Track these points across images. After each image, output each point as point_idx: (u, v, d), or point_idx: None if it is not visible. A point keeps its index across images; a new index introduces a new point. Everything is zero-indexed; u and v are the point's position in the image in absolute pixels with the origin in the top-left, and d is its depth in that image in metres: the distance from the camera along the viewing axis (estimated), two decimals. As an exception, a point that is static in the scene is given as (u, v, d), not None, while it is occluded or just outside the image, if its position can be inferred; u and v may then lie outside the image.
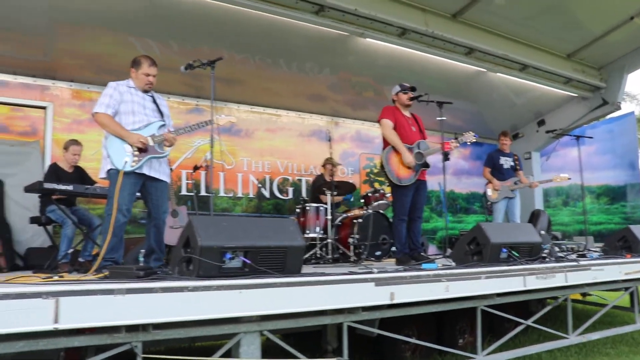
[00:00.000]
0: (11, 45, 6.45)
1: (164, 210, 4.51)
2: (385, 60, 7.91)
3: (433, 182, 10.58)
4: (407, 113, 5.60)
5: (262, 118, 8.92)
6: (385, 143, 5.41)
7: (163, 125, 4.52)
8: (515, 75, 8.83)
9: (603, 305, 6.73)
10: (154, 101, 4.61)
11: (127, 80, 4.56)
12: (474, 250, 4.52)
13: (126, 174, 4.15)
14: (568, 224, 11.90)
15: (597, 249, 6.98)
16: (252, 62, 7.67)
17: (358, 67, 8.26)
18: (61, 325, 2.33)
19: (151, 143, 4.33)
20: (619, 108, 10.04)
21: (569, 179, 7.75)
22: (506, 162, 7.94)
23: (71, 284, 2.55)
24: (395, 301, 3.37)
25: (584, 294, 8.35)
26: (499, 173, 7.87)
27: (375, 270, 3.55)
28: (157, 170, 4.42)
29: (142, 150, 4.25)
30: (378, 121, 5.48)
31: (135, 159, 4.21)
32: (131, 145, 4.24)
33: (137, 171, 4.25)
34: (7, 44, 6.41)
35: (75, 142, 5.95)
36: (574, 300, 8.33)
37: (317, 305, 3.05)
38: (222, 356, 2.97)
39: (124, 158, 4.16)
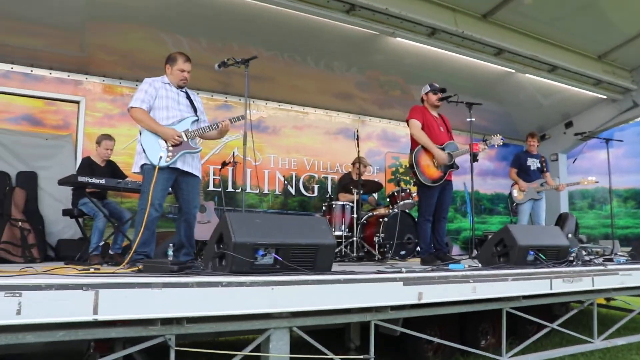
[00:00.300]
0: (48, 41, 6.59)
1: (194, 205, 4.56)
2: (414, 60, 7.91)
3: (458, 182, 10.54)
4: (435, 113, 5.61)
5: (289, 115, 8.99)
6: (414, 143, 5.42)
7: (196, 121, 4.60)
8: (544, 76, 8.77)
9: (628, 311, 6.67)
10: (188, 97, 4.68)
11: (162, 77, 4.63)
12: (501, 251, 4.52)
13: (162, 169, 4.22)
14: (594, 227, 11.75)
15: (624, 254, 6.91)
16: (281, 60, 7.73)
17: (386, 66, 8.28)
18: (100, 317, 2.40)
19: (185, 138, 4.40)
20: (651, 111, 9.91)
21: (597, 182, 7.67)
22: (533, 164, 7.90)
23: (109, 276, 2.62)
24: (423, 301, 3.39)
25: (608, 299, 8.30)
26: (526, 174, 7.83)
27: (404, 269, 3.58)
28: (190, 165, 4.49)
29: (176, 145, 4.32)
30: (406, 121, 5.50)
31: (170, 154, 4.28)
32: (166, 141, 4.31)
33: (170, 166, 4.31)
34: (45, 39, 6.55)
35: (108, 136, 6.07)
36: (598, 305, 8.30)
37: (347, 303, 3.09)
38: (251, 351, 3.03)
39: (159, 153, 4.22)
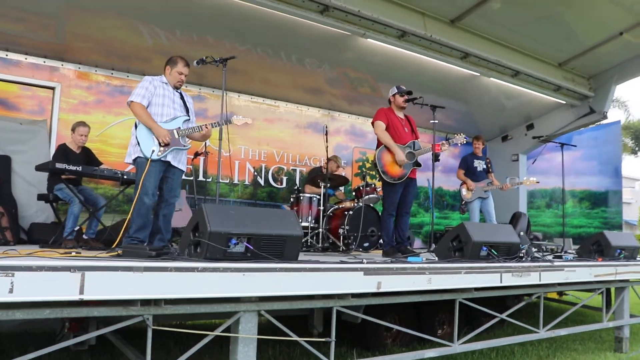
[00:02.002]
0: (25, 26, 6.65)
1: (175, 194, 4.93)
2: (384, 59, 8.17)
3: (423, 179, 10.91)
4: (401, 114, 5.90)
5: (260, 108, 9.21)
6: (379, 142, 5.73)
7: (187, 120, 4.96)
8: (508, 80, 9.13)
9: (575, 304, 7.13)
10: (182, 97, 5.06)
11: (161, 76, 4.99)
12: (456, 247, 4.84)
13: (154, 161, 4.57)
14: (550, 226, 12.28)
15: (573, 251, 7.34)
16: (255, 54, 7.90)
17: (357, 64, 8.52)
18: (86, 297, 2.60)
19: (176, 136, 4.77)
20: (605, 117, 10.38)
21: (538, 182, 8.13)
22: (479, 165, 8.36)
23: (95, 260, 2.84)
24: (382, 290, 3.68)
25: (560, 294, 8.77)
26: (473, 175, 8.27)
27: (365, 261, 3.86)
28: (178, 160, 4.88)
29: (167, 143, 4.66)
30: (372, 123, 5.79)
31: (162, 148, 4.64)
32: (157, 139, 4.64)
33: (162, 159, 4.67)
34: (21, 25, 6.61)
35: (82, 123, 6.22)
36: (551, 299, 8.77)
37: (311, 290, 3.35)
38: (222, 331, 3.29)
39: (152, 147, 4.57)
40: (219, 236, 3.17)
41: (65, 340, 4.12)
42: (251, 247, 3.27)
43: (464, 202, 8.38)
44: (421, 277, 3.93)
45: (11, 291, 2.44)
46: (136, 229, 4.56)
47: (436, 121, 5.79)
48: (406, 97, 5.83)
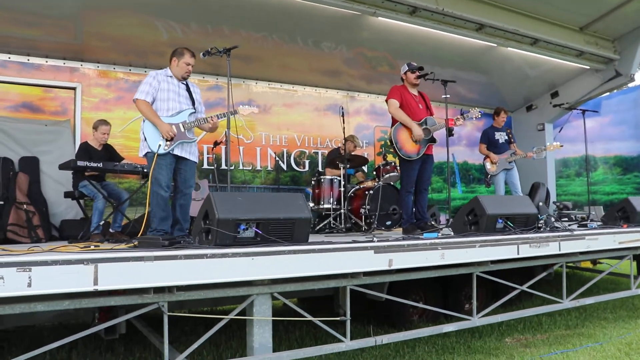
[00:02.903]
0: (43, 30, 6.83)
1: (190, 185, 4.99)
2: (400, 36, 8.09)
3: (446, 154, 10.88)
4: (414, 91, 5.89)
5: (279, 93, 9.27)
6: (394, 120, 5.74)
7: (193, 113, 5.00)
8: (527, 49, 8.95)
9: (613, 274, 7.04)
10: (188, 89, 5.08)
11: (166, 70, 5.02)
12: (471, 220, 4.86)
13: (162, 155, 4.67)
14: (580, 194, 12.10)
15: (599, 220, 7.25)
16: (270, 40, 7.94)
17: (373, 43, 8.46)
18: (100, 287, 2.75)
19: (182, 129, 4.82)
20: (632, 80, 10.10)
21: (562, 146, 7.98)
22: (501, 137, 8.26)
23: (107, 252, 2.97)
24: (394, 267, 3.74)
25: (594, 263, 8.67)
26: (495, 147, 8.18)
27: (376, 239, 3.92)
28: (188, 152, 4.93)
29: (171, 138, 4.73)
30: (386, 101, 5.79)
31: (168, 142, 4.71)
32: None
33: (171, 152, 4.76)
34: (40, 29, 6.79)
35: (104, 122, 6.39)
36: (584, 269, 8.67)
37: (322, 270, 3.44)
38: (238, 314, 3.41)
39: (158, 142, 4.67)
40: (228, 223, 3.27)
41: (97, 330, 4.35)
42: (260, 232, 3.36)
43: (489, 175, 8.33)
44: (434, 252, 3.97)
45: (29, 285, 2.59)
46: (158, 221, 4.66)
47: (448, 96, 5.75)
48: (418, 73, 5.81)
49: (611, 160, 12.01)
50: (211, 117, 5.04)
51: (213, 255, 3.02)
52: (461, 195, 11.30)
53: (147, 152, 4.78)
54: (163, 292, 3.07)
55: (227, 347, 5.15)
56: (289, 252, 3.26)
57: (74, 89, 7.51)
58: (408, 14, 7.38)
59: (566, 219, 8.91)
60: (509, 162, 8.11)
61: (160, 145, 4.66)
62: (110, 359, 4.79)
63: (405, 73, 5.91)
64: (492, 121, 8.60)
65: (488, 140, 8.31)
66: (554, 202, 10.80)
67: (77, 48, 7.40)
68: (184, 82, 5.08)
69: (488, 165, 8.22)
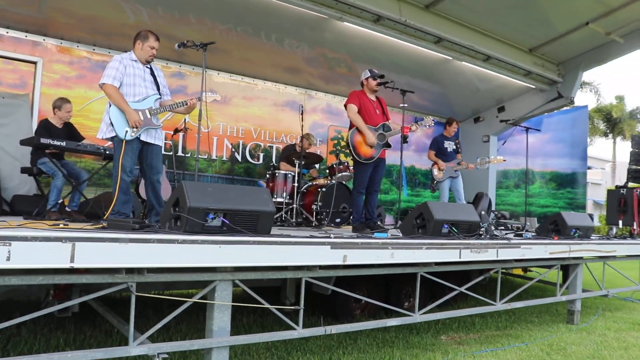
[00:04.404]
0: (6, 0, 6.74)
1: (156, 170, 5.09)
2: (362, 41, 8.40)
3: (396, 158, 11.25)
4: (373, 97, 6.18)
5: (239, 86, 9.43)
6: (352, 124, 6.02)
7: (159, 99, 5.08)
8: (479, 65, 9.45)
9: (542, 281, 7.56)
10: (152, 73, 5.14)
11: (130, 53, 5.06)
12: (420, 224, 5.19)
13: (129, 141, 4.76)
14: (517, 205, 12.76)
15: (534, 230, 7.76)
16: (234, 33, 8.08)
17: (334, 45, 8.74)
18: (76, 265, 2.86)
19: (148, 115, 4.92)
20: (572, 102, 10.79)
21: (504, 160, 8.52)
22: (449, 146, 8.72)
23: (85, 231, 3.11)
24: (347, 262, 4.00)
25: (525, 270, 9.23)
26: (443, 155, 8.63)
27: (332, 235, 4.18)
28: (154, 137, 5.03)
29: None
30: (345, 106, 6.07)
31: (135, 129, 4.80)
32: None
33: (137, 137, 4.87)
34: (3, -1, 6.71)
35: (67, 100, 6.39)
36: (516, 275, 9.22)
37: (281, 262, 3.66)
38: (200, 299, 3.60)
39: (125, 128, 4.75)
40: (198, 211, 3.46)
41: (50, 307, 4.41)
42: (227, 222, 3.56)
43: (435, 181, 8.74)
44: (385, 251, 4.26)
45: (8, 259, 2.69)
46: (120, 204, 4.78)
47: (406, 105, 6.08)
48: (378, 80, 6.10)
49: (547, 175, 12.71)
50: (191, 99, 5.14)
51: (184, 241, 3.20)
52: (407, 198, 11.76)
53: (114, 137, 4.82)
54: (133, 273, 3.23)
55: (176, 330, 5.29)
56: (253, 242, 3.47)
57: (34, 63, 7.45)
58: (372, 21, 7.69)
59: (503, 227, 9.44)
60: (455, 171, 8.56)
61: (127, 132, 4.74)
62: (60, 337, 4.84)
63: (366, 79, 6.18)
64: (442, 129, 9.01)
65: (437, 147, 8.73)
66: (492, 211, 11.36)
67: (41, 22, 7.34)
68: (148, 66, 5.14)
69: (435, 172, 8.64)
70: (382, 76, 6.12)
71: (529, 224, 8.58)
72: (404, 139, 6.03)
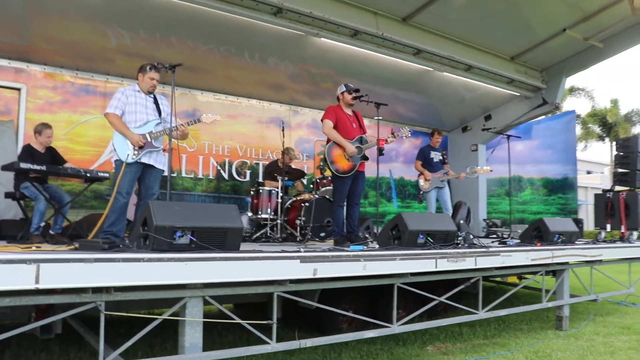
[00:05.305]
0: (-12, 29, 6.85)
1: (152, 192, 5.41)
2: (344, 55, 8.51)
3: (384, 170, 11.36)
4: (349, 111, 6.26)
5: (223, 104, 9.53)
6: (329, 139, 6.10)
7: (159, 123, 5.42)
8: (461, 74, 9.56)
9: (530, 288, 7.58)
10: (155, 101, 5.54)
11: (134, 85, 5.52)
12: (395, 235, 5.24)
13: (130, 164, 5.13)
14: (508, 212, 12.79)
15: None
16: (217, 53, 8.21)
17: (318, 61, 8.86)
18: (41, 286, 2.93)
19: (149, 139, 5.27)
20: (558, 108, 10.88)
21: (491, 170, 8.58)
22: (436, 156, 8.79)
23: (49, 253, 3.17)
24: (318, 276, 4.05)
25: (520, 278, 9.25)
26: (430, 166, 8.70)
27: (302, 249, 4.24)
28: (155, 160, 5.40)
29: (141, 147, 5.17)
30: (321, 120, 6.15)
31: (136, 152, 5.17)
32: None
33: (137, 161, 5.20)
34: (-15, 28, 6.81)
35: (47, 125, 6.51)
36: (510, 284, 9.22)
37: (250, 277, 3.72)
38: (171, 315, 3.66)
39: (127, 151, 5.16)
40: (165, 229, 3.53)
41: (32, 330, 4.48)
42: (194, 239, 3.63)
43: (421, 192, 8.80)
44: (356, 263, 4.31)
45: (-28, 282, 2.77)
46: (110, 223, 5.09)
47: (380, 117, 6.14)
48: (354, 94, 6.18)
49: (538, 181, 12.76)
50: (181, 124, 5.43)
51: (149, 259, 3.26)
52: (397, 210, 11.81)
53: (117, 160, 5.20)
54: (101, 292, 3.29)
55: (161, 348, 5.32)
56: (220, 258, 3.53)
57: (18, 89, 7.57)
58: (349, 36, 7.81)
59: (494, 235, 9.49)
60: (441, 181, 8.62)
61: (128, 155, 5.13)
62: (44, 359, 4.90)
63: (342, 93, 6.26)
64: (424, 139, 9.10)
65: (424, 158, 8.80)
66: (484, 220, 11.43)
67: (24, 49, 7.47)
68: (152, 95, 5.53)
69: (421, 182, 8.70)
70: (357, 90, 6.20)
71: (517, 232, 8.61)
72: (380, 152, 6.08)
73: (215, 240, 3.75)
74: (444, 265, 5.06)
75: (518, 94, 10.85)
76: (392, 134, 6.36)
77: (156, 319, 3.62)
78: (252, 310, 6.49)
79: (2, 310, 4.38)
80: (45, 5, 6.64)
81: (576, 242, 7.36)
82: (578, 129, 31.47)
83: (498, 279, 8.90)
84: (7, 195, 6.28)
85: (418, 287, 5.28)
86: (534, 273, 6.86)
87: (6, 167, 5.79)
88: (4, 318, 5.49)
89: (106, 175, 6.16)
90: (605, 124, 31.73)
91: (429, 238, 5.26)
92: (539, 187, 12.72)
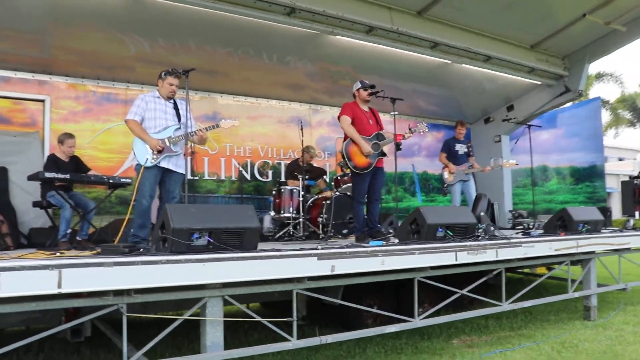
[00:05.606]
0: (12, 44, 7.07)
1: (173, 196, 5.56)
2: (362, 52, 8.48)
3: (407, 164, 11.33)
4: (365, 108, 6.27)
5: (243, 106, 9.62)
6: (346, 135, 6.12)
7: (178, 129, 5.55)
8: (480, 65, 9.45)
9: (555, 278, 7.49)
10: (175, 106, 5.67)
11: (154, 92, 5.68)
12: (414, 229, 5.25)
13: (149, 168, 5.28)
14: (536, 203, 12.60)
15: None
16: (235, 55, 8.27)
17: (336, 58, 8.84)
18: (63, 290, 3.03)
19: (167, 144, 5.40)
20: (581, 95, 10.70)
21: (517, 164, 8.47)
22: (461, 149, 8.71)
23: (71, 258, 3.28)
24: (336, 272, 4.09)
25: (549, 269, 9.14)
26: (454, 158, 8.63)
27: (320, 247, 4.28)
28: (175, 164, 5.52)
29: (160, 150, 5.30)
30: (338, 117, 6.18)
31: (155, 156, 5.32)
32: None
33: (158, 165, 5.36)
34: (8, 43, 7.03)
35: (69, 135, 6.69)
36: (538, 275, 9.09)
37: (268, 275, 3.77)
38: (192, 316, 3.74)
39: (146, 156, 5.31)
40: (182, 232, 3.60)
41: (63, 334, 4.63)
42: (212, 240, 3.70)
43: (446, 185, 8.75)
44: (374, 259, 4.34)
45: (-1, 289, 2.88)
46: (137, 228, 5.26)
47: (397, 112, 6.14)
48: (370, 91, 6.19)
49: (564, 170, 12.57)
50: (200, 129, 5.57)
51: (167, 261, 3.34)
52: (421, 204, 11.75)
53: (137, 164, 5.35)
54: (122, 295, 3.38)
55: (188, 349, 5.39)
56: (237, 258, 3.59)
57: (42, 101, 7.77)
58: (364, 32, 7.79)
59: (520, 227, 9.38)
60: (466, 174, 8.54)
61: (147, 159, 5.27)
62: (75, 361, 5.05)
63: (358, 90, 6.27)
64: (452, 133, 9.03)
65: (448, 150, 8.74)
66: (509, 211, 11.30)
67: (46, 62, 7.66)
68: (172, 101, 5.66)
69: (446, 175, 8.65)
70: (372, 86, 6.21)
71: (539, 223, 8.50)
72: (397, 147, 6.09)
73: (233, 241, 3.81)
74: (464, 257, 5.04)
75: (540, 83, 10.68)
76: (410, 129, 6.35)
77: (177, 319, 3.70)
78: (279, 309, 6.55)
79: (33, 315, 4.55)
80: (65, 19, 6.77)
81: (602, 231, 7.23)
82: (607, 116, 30.82)
83: (527, 270, 8.81)
84: (35, 204, 6.47)
85: (441, 281, 5.28)
86: (559, 263, 6.78)
87: (32, 177, 5.97)
88: (37, 322, 5.70)
89: (128, 180, 6.29)
90: (636, 109, 31.01)
91: (448, 231, 5.25)
92: (566, 176, 12.53)
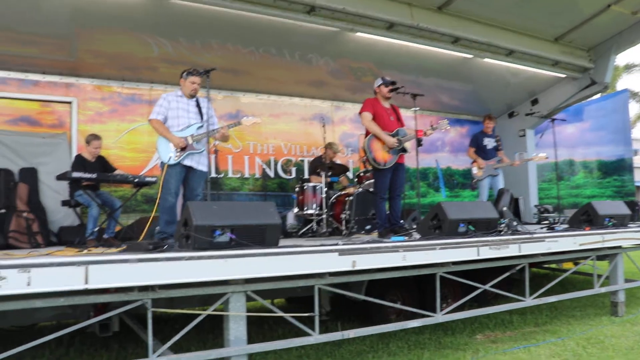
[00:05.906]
0: (40, 49, 7.27)
1: (197, 193, 5.66)
2: (383, 48, 8.47)
3: (430, 160, 11.30)
4: (386, 104, 6.28)
5: (266, 104, 9.69)
6: (368, 132, 6.14)
7: (201, 127, 5.61)
8: (503, 59, 9.37)
9: (580, 273, 7.40)
10: (198, 105, 5.73)
11: (176, 90, 5.77)
12: (435, 225, 5.25)
13: (172, 165, 5.41)
14: (562, 197, 12.48)
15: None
16: (257, 54, 8.33)
17: (357, 55, 8.85)
18: (90, 286, 3.13)
19: (190, 142, 5.49)
20: (607, 88, 10.54)
21: (547, 158, 8.36)
22: (489, 143, 8.60)
23: (97, 255, 3.37)
24: (357, 268, 4.12)
25: (576, 263, 9.04)
26: (483, 153, 8.52)
27: (341, 242, 4.32)
28: (197, 162, 5.61)
29: (182, 148, 5.39)
30: (359, 114, 6.20)
31: (178, 154, 5.42)
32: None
33: (181, 162, 5.46)
34: (37, 48, 7.22)
35: (95, 136, 6.86)
36: (564, 270, 9.00)
37: (290, 271, 3.82)
38: (215, 311, 3.81)
39: (169, 154, 5.42)
40: (204, 229, 3.68)
41: (92, 328, 4.76)
42: (234, 237, 3.76)
43: (474, 180, 8.67)
44: (395, 254, 4.35)
45: (29, 284, 2.98)
46: (164, 225, 5.37)
47: (418, 108, 6.15)
48: (390, 87, 6.19)
49: (591, 164, 12.40)
50: (222, 127, 5.67)
51: (190, 258, 3.42)
52: (445, 200, 11.71)
53: (162, 162, 5.47)
54: (147, 291, 3.47)
55: (214, 343, 5.46)
56: (259, 254, 3.65)
57: (70, 103, 7.95)
58: (385, 29, 7.80)
59: (546, 222, 9.28)
60: (495, 169, 8.46)
61: (170, 157, 5.38)
62: (104, 354, 5.17)
63: (378, 87, 6.28)
64: (476, 128, 8.95)
65: (477, 144, 8.66)
66: (535, 206, 11.19)
67: (72, 65, 7.83)
68: (194, 100, 5.73)
69: (474, 170, 8.56)
70: (393, 82, 6.21)
71: (565, 217, 8.40)
72: (419, 142, 6.09)
73: (254, 237, 3.87)
74: (487, 253, 5.02)
75: (564, 76, 10.54)
76: (431, 126, 6.33)
77: (200, 314, 3.77)
78: (304, 304, 6.62)
79: (64, 310, 4.67)
80: (90, 23, 6.92)
81: (629, 225, 7.12)
82: (637, 108, 30.19)
83: (553, 265, 8.71)
84: (64, 203, 6.65)
85: (465, 276, 5.28)
86: (585, 258, 6.70)
87: (60, 177, 6.15)
88: (66, 317, 5.86)
89: (153, 179, 6.42)
90: (666, 100, 30.31)
91: (470, 226, 5.24)
92: (593, 170, 12.36)
